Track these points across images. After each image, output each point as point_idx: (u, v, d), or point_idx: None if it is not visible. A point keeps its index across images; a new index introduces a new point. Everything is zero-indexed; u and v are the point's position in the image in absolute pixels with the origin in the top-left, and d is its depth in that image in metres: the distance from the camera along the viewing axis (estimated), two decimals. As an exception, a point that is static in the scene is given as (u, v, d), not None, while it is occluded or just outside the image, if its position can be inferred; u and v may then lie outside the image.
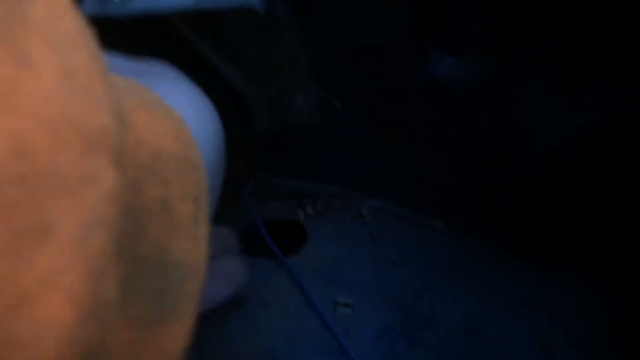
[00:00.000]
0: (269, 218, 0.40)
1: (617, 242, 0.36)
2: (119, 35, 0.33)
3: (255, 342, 0.35)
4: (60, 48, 0.12)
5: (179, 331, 0.17)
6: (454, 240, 0.39)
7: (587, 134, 0.34)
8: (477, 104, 0.35)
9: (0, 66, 0.11)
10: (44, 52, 0.11)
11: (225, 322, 0.36)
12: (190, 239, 0.17)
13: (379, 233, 0.39)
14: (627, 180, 0.34)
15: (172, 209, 0.17)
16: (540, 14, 0.31)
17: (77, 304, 0.11)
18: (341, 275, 0.38)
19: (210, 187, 0.24)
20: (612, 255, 0.36)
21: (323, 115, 0.35)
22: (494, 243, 0.39)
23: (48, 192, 0.11)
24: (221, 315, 0.36)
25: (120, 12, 0.26)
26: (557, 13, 0.31)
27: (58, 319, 0.11)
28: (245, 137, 0.38)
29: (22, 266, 0.11)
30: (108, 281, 0.13)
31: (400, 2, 0.32)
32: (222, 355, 0.35)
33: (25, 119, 0.11)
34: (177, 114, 0.18)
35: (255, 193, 0.40)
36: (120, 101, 0.15)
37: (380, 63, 0.34)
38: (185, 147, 0.18)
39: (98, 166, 0.12)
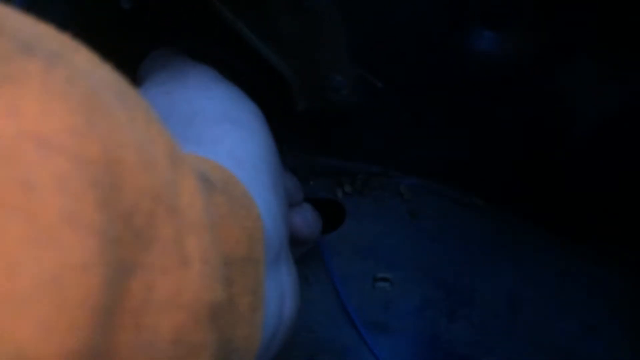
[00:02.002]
0: (308, 196, 0.40)
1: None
2: (162, 20, 0.34)
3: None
4: (198, 233, 0.14)
5: None
6: (493, 217, 0.39)
7: (629, 111, 0.34)
8: (516, 81, 0.35)
9: (171, 270, 0.13)
10: (195, 244, 0.14)
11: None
12: (248, 327, 0.19)
13: (417, 210, 0.39)
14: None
15: (235, 303, 0.18)
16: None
17: None
18: (380, 251, 0.38)
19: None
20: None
21: (362, 94, 0.35)
22: (533, 219, 0.39)
23: None
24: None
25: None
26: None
27: None
28: (284, 116, 0.38)
29: None
30: None
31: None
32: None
33: (184, 315, 0.13)
34: (255, 211, 0.20)
35: (294, 171, 0.41)
36: (215, 224, 0.17)
37: (419, 40, 0.34)
38: (252, 247, 0.19)
39: (212, 333, 0.15)
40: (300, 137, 0.41)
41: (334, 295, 0.36)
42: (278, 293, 0.23)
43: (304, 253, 0.35)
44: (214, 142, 0.24)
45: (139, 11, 0.32)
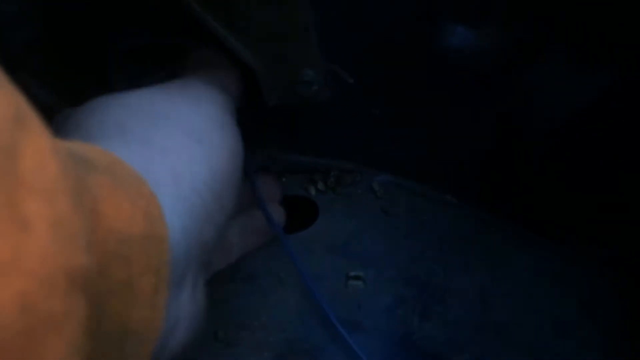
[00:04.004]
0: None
1: (633, 216, 0.35)
2: (131, 13, 0.33)
3: (267, 317, 0.36)
4: (48, 197, 0.14)
5: None
6: (466, 214, 0.39)
7: (599, 107, 0.34)
8: (488, 77, 0.35)
9: (5, 234, 0.12)
10: (37, 208, 0.13)
11: (236, 297, 0.36)
12: (149, 308, 0.19)
13: (390, 207, 0.39)
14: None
15: (133, 284, 0.18)
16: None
17: None
18: (352, 249, 0.38)
19: (228, 193, 0.26)
20: (628, 230, 0.36)
21: (334, 90, 0.35)
22: (506, 217, 0.39)
23: (43, 334, 0.13)
24: (233, 289, 0.36)
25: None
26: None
27: None
28: (255, 112, 0.38)
29: None
30: None
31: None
32: (233, 330, 0.35)
33: (29, 281, 0.13)
34: (148, 189, 0.20)
35: (265, 168, 0.40)
36: (90, 193, 0.17)
37: (390, 35, 0.34)
38: (151, 224, 0.19)
39: (76, 301, 0.14)
40: (272, 134, 0.40)
41: (307, 295, 0.36)
42: (172, 315, 0.22)
43: (264, 244, 0.35)
44: (162, 150, 0.24)
45: (102, 4, 0.31)
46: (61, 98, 0.33)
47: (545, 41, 0.33)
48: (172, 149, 0.24)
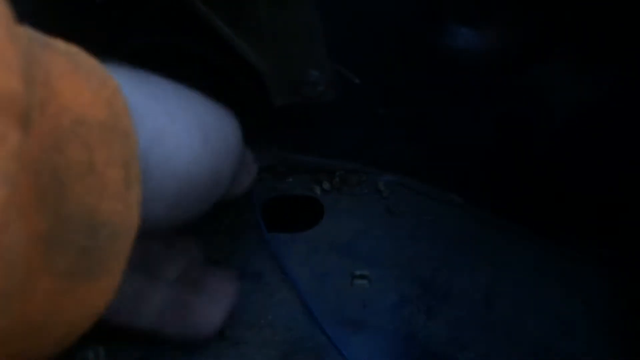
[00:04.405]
0: (285, 193, 0.40)
1: (635, 216, 0.35)
2: (137, 14, 0.34)
3: (273, 315, 0.36)
4: None
5: (105, 287, 0.18)
6: (471, 214, 0.39)
7: (602, 107, 0.34)
8: (493, 77, 0.35)
9: None
10: None
11: (243, 296, 0.36)
12: (121, 202, 0.18)
13: (395, 207, 0.39)
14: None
15: (99, 172, 0.18)
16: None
17: None
18: (358, 248, 0.38)
19: (221, 175, 0.25)
20: (629, 230, 0.36)
21: (339, 90, 0.35)
22: (510, 217, 0.39)
23: None
24: (239, 290, 0.36)
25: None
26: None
27: None
28: (261, 112, 0.38)
29: None
30: (14, 232, 0.14)
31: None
32: (239, 328, 0.35)
33: None
34: (113, 82, 0.19)
35: (271, 168, 0.40)
36: (43, 67, 0.16)
37: (395, 36, 0.34)
38: (114, 115, 0.19)
39: (3, 127, 0.14)
40: (278, 134, 0.41)
41: (311, 293, 0.36)
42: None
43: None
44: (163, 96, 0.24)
45: (111, 5, 0.32)
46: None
47: (548, 42, 0.33)
48: (170, 96, 0.24)
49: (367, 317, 0.36)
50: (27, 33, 0.17)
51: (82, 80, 0.18)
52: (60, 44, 0.18)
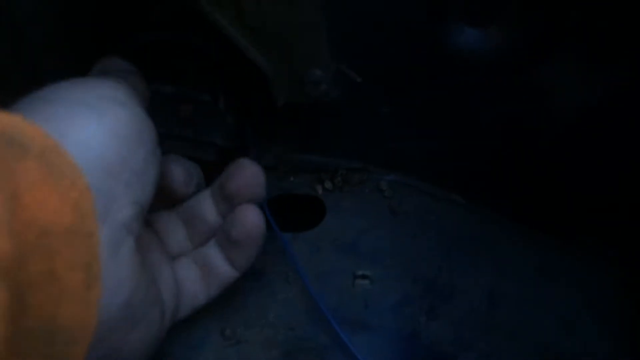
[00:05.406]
0: (287, 192, 0.40)
1: (639, 214, 0.35)
2: (142, 12, 0.34)
3: (276, 315, 0.36)
4: None
5: None
6: (473, 214, 0.39)
7: (607, 107, 0.34)
8: (496, 78, 0.35)
9: None
10: None
11: (244, 294, 0.36)
12: (80, 304, 0.18)
13: (398, 207, 0.39)
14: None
15: (59, 279, 0.18)
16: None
17: None
18: (360, 248, 0.38)
19: (143, 178, 0.25)
20: (633, 228, 0.36)
21: (342, 89, 0.35)
22: (513, 215, 0.39)
23: None
24: (240, 287, 0.36)
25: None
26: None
27: None
28: (264, 111, 0.38)
29: None
30: None
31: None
32: (241, 327, 0.35)
33: None
34: (83, 182, 0.19)
35: (273, 167, 0.40)
36: (13, 180, 0.16)
37: (399, 36, 0.34)
38: (81, 218, 0.19)
39: None
40: (281, 133, 0.41)
41: (316, 293, 0.36)
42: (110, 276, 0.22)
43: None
44: (56, 117, 0.23)
45: (116, 3, 0.32)
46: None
47: (553, 42, 0.33)
48: (70, 116, 0.23)
49: (369, 317, 0.36)
50: (5, 138, 0.16)
51: (51, 187, 0.18)
52: (36, 141, 0.18)
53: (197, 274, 0.32)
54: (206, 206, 0.32)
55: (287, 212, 0.39)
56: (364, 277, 0.37)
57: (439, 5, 0.32)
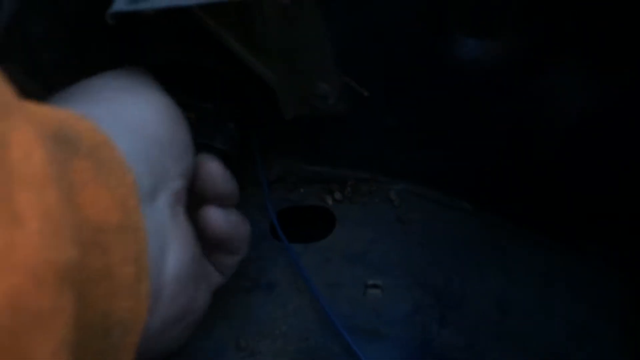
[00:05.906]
0: (297, 204, 0.40)
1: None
2: (146, 32, 0.34)
3: (287, 326, 0.36)
4: (36, 188, 0.13)
5: None
6: (482, 221, 0.39)
7: (610, 112, 0.34)
8: (500, 86, 0.35)
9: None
10: (27, 200, 0.13)
11: (257, 306, 0.37)
12: (132, 297, 0.19)
13: (407, 216, 0.40)
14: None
15: (113, 274, 0.18)
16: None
17: None
18: (370, 257, 0.38)
19: (188, 153, 0.27)
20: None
21: (348, 102, 0.36)
22: (521, 222, 0.39)
23: (32, 332, 0.12)
24: (253, 299, 0.37)
25: (148, 7, 0.27)
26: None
27: None
28: (272, 125, 0.38)
29: None
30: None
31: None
32: (254, 339, 0.36)
33: (18, 276, 0.12)
34: (130, 177, 0.20)
35: (282, 179, 0.41)
36: (67, 180, 0.17)
37: (402, 48, 0.35)
38: (127, 214, 0.19)
39: (65, 297, 0.14)
40: (289, 145, 0.41)
41: (326, 303, 0.36)
42: (155, 234, 0.23)
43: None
44: (106, 100, 0.25)
45: (123, 25, 0.32)
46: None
47: (554, 51, 0.33)
48: (113, 98, 0.25)
49: (381, 326, 0.36)
50: (53, 131, 0.17)
51: (102, 184, 0.18)
52: (86, 136, 0.19)
53: None
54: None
55: (297, 223, 0.39)
56: (375, 286, 0.37)
57: (439, 19, 0.33)
